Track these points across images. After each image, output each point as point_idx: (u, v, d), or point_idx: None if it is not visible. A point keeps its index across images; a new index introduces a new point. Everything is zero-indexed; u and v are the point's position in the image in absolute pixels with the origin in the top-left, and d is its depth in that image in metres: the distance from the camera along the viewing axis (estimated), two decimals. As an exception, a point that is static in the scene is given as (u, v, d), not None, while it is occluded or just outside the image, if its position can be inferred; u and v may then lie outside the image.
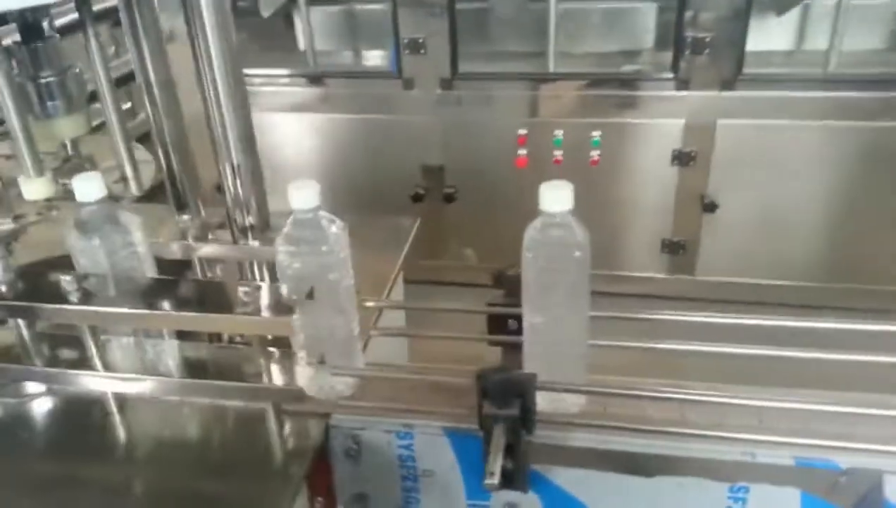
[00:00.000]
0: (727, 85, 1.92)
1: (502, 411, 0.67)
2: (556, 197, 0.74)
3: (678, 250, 2.15)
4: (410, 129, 2.15)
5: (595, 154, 2.06)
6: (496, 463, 0.63)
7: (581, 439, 0.75)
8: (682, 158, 2.02)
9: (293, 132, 2.22)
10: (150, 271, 0.87)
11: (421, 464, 0.81)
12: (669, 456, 0.72)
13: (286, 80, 2.20)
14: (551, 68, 2.03)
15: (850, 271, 2.08)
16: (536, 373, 0.70)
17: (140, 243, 0.85)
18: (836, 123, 1.90)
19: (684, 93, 1.95)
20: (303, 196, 0.73)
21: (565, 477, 0.77)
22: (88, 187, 0.79)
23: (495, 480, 0.62)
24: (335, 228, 0.75)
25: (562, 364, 0.76)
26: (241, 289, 0.79)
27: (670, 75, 1.94)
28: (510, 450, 0.66)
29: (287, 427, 0.80)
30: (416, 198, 2.19)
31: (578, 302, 0.75)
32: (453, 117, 2.12)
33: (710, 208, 2.04)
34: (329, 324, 0.78)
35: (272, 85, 2.20)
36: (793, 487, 0.70)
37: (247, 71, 0.96)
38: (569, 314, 0.76)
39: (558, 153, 2.08)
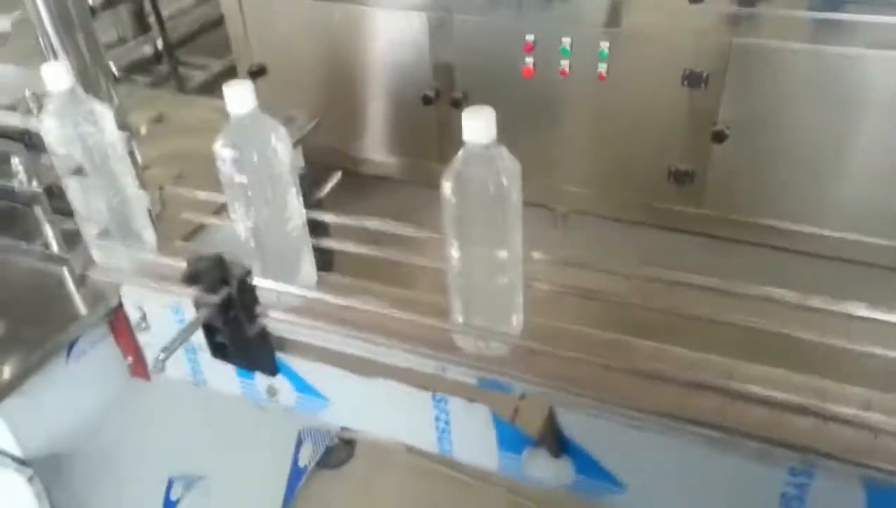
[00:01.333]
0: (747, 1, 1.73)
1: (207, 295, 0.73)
2: (477, 127, 0.68)
3: (685, 180, 2.03)
4: (423, 25, 2.13)
5: (602, 68, 1.95)
6: (176, 342, 0.70)
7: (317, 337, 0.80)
8: (692, 80, 1.87)
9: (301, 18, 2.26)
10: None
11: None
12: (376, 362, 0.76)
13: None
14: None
15: (865, 221, 1.88)
16: (250, 268, 0.75)
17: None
18: (868, 51, 1.68)
19: (699, 6, 1.78)
20: (238, 98, 0.76)
21: (306, 368, 0.83)
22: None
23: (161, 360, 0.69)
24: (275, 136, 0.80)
25: (487, 304, 0.75)
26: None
27: (685, -14, 1.78)
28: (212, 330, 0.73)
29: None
30: (427, 100, 2.20)
31: (507, 240, 0.74)
32: (463, 17, 2.07)
33: (719, 137, 1.89)
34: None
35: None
36: (482, 404, 0.73)
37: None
38: (494, 253, 0.74)
39: (565, 64, 1.99)
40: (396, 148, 2.42)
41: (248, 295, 0.75)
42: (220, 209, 0.98)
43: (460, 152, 0.70)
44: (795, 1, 1.71)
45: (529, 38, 1.99)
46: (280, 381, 0.87)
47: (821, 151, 1.85)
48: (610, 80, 1.96)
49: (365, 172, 2.54)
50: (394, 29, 2.18)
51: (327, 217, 1.02)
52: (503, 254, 0.73)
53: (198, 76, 2.83)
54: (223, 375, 0.91)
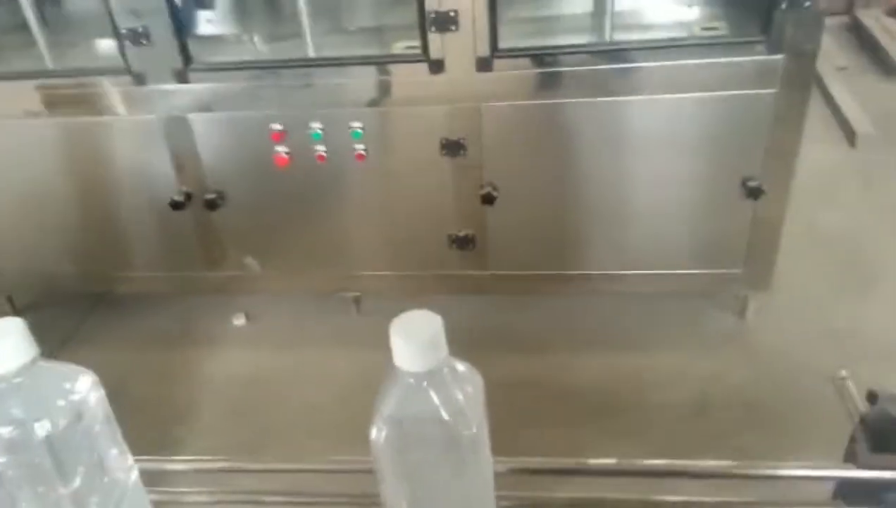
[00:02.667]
0: (484, 65, 1.70)
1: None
2: (413, 350, 0.44)
3: (467, 245, 1.96)
4: (156, 128, 1.89)
5: (360, 148, 1.84)
6: None
7: None
8: (450, 148, 1.81)
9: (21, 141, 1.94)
10: None
11: None
12: None
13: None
14: (310, 53, 1.79)
15: (663, 256, 1.92)
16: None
17: None
18: (607, 98, 1.71)
19: (441, 76, 1.73)
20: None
21: None
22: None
23: None
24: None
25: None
26: None
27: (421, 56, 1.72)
28: None
29: None
30: (176, 205, 1.95)
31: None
32: (197, 115, 1.86)
33: (489, 199, 1.85)
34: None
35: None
36: None
37: None
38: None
39: (320, 148, 1.85)
40: (156, 262, 2.13)
41: None
42: None
43: (392, 385, 0.46)
44: (524, 63, 1.71)
45: (276, 126, 1.83)
46: None
47: (586, 197, 1.86)
48: (370, 159, 1.84)
49: (128, 291, 2.23)
50: (124, 137, 1.93)
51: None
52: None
53: None
54: None
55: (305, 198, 1.94)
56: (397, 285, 2.08)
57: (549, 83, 1.72)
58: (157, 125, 1.88)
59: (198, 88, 1.83)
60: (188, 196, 1.95)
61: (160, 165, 1.93)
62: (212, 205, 1.95)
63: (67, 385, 0.49)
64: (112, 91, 1.85)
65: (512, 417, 1.35)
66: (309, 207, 1.96)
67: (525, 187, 1.87)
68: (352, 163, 1.85)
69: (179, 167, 1.94)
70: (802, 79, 1.63)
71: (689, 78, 1.64)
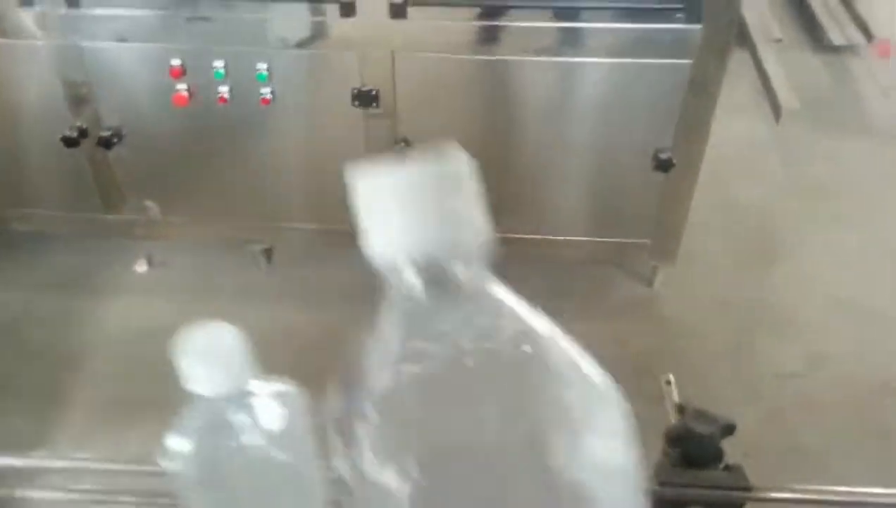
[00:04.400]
0: (399, 12, 1.62)
1: None
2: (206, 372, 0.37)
3: (378, 201, 1.91)
4: (48, 56, 1.76)
5: (265, 91, 1.74)
6: None
7: None
8: (362, 98, 1.73)
9: None
10: None
11: None
12: None
13: None
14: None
15: (573, 222, 1.91)
16: None
17: None
18: (520, 58, 1.66)
19: (352, 20, 1.64)
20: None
21: None
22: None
23: None
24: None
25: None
26: None
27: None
28: None
29: None
30: (70, 142, 1.83)
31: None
32: (94, 45, 1.73)
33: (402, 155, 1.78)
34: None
35: None
36: None
37: None
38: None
39: (223, 89, 1.75)
40: (53, 200, 2.02)
41: None
42: None
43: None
44: (440, 13, 1.63)
45: (175, 62, 1.71)
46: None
47: (499, 159, 1.82)
48: (276, 103, 1.75)
49: (21, 228, 2.10)
50: (11, 64, 1.78)
51: None
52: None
53: None
54: None
55: (208, 141, 1.84)
56: (310, 238, 2.02)
57: (463, 37, 1.65)
58: (45, 52, 1.74)
59: (92, 13, 1.70)
60: (82, 132, 1.83)
61: (52, 98, 1.80)
62: (107, 143, 1.83)
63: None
64: (-6, 12, 1.70)
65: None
66: (212, 150, 1.86)
67: (439, 144, 1.81)
68: (257, 107, 1.75)
69: (73, 101, 1.81)
70: (719, 51, 1.60)
71: (605, 42, 1.60)
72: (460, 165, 0.31)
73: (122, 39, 1.72)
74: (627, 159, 1.74)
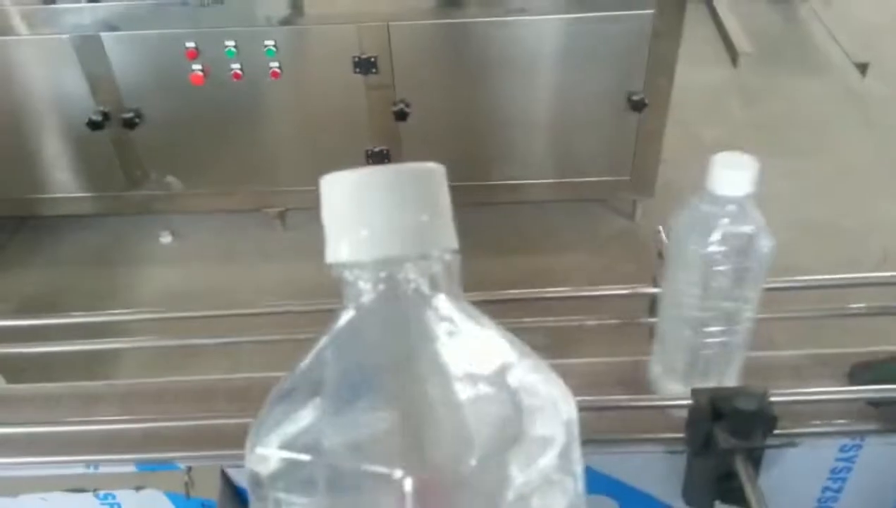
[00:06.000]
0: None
1: None
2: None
3: (382, 160, 2.10)
4: (68, 48, 1.91)
5: (274, 65, 1.92)
6: None
7: None
8: (362, 66, 1.92)
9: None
10: None
11: None
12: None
13: None
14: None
15: (560, 166, 2.12)
16: None
17: None
18: (503, 18, 1.85)
19: (350, -5, 1.82)
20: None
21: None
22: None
23: None
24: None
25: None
26: None
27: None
28: None
29: None
30: (95, 125, 1.99)
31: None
32: (110, 34, 1.89)
33: (402, 116, 1.98)
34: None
35: None
36: (151, 489, 0.68)
37: None
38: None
39: (235, 66, 1.92)
40: (78, 183, 2.17)
41: None
42: None
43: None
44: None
45: (190, 44, 1.88)
46: None
47: (490, 113, 2.02)
48: (285, 76, 1.93)
49: (51, 213, 2.26)
50: (37, 57, 1.93)
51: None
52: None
53: None
54: None
55: (224, 115, 2.02)
56: (318, 199, 2.20)
57: (449, 3, 1.84)
58: (68, 45, 1.90)
59: (107, 6, 1.86)
60: (106, 115, 1.99)
61: (75, 86, 1.96)
62: (130, 124, 2.00)
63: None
64: (13, 11, 1.85)
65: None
66: (228, 124, 2.04)
67: (434, 104, 2.00)
68: (267, 80, 1.93)
69: (95, 87, 1.97)
70: (677, 1, 1.81)
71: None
72: (432, 175, 0.29)
73: (140, 28, 1.88)
74: (605, 104, 1.95)
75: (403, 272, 0.28)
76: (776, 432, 0.52)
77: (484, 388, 0.28)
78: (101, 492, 0.68)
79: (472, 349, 0.28)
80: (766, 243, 0.55)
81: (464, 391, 0.27)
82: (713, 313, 0.58)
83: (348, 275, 0.29)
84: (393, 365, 0.28)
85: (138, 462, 0.66)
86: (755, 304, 0.59)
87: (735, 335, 0.59)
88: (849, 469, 0.60)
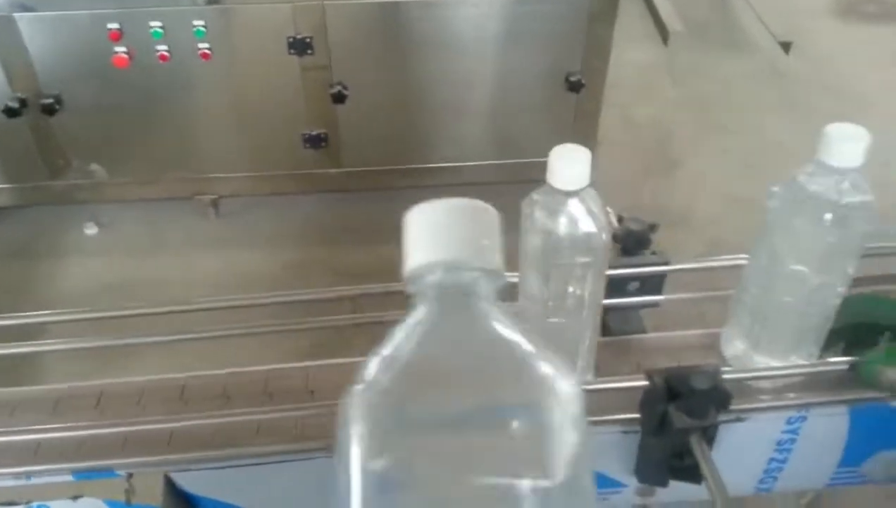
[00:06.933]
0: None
1: None
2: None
3: (319, 144, 2.05)
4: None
5: (204, 46, 1.84)
6: None
7: None
8: (297, 46, 1.86)
9: None
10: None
11: None
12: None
13: None
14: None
15: (500, 147, 2.11)
16: None
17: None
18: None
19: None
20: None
21: None
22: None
23: None
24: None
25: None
26: None
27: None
28: None
29: None
30: (11, 112, 1.87)
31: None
32: (24, 15, 1.78)
33: (339, 98, 1.93)
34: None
35: None
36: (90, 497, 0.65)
37: None
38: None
39: (162, 48, 1.84)
40: (-3, 173, 2.05)
41: None
42: None
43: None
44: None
45: (113, 25, 1.79)
46: None
47: (429, 94, 1.99)
48: (216, 58, 1.86)
49: (-37, 206, 2.12)
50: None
51: None
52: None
53: None
54: None
55: (151, 99, 1.93)
56: (253, 185, 2.14)
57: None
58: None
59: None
60: (23, 102, 1.87)
61: (-13, 67, 1.84)
62: (49, 110, 1.89)
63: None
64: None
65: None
66: (156, 108, 1.95)
67: (373, 86, 1.97)
68: (197, 62, 1.86)
69: (10, 72, 1.85)
70: (612, -20, 1.82)
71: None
72: (493, 214, 0.36)
73: (58, 8, 1.77)
74: (544, 84, 1.95)
75: (466, 276, 0.34)
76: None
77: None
78: (35, 503, 0.65)
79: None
80: (870, 215, 0.55)
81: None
82: (820, 283, 0.58)
83: (425, 273, 0.34)
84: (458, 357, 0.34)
85: (74, 471, 0.63)
86: (851, 275, 0.59)
87: (829, 308, 0.60)
88: (793, 441, 0.62)
